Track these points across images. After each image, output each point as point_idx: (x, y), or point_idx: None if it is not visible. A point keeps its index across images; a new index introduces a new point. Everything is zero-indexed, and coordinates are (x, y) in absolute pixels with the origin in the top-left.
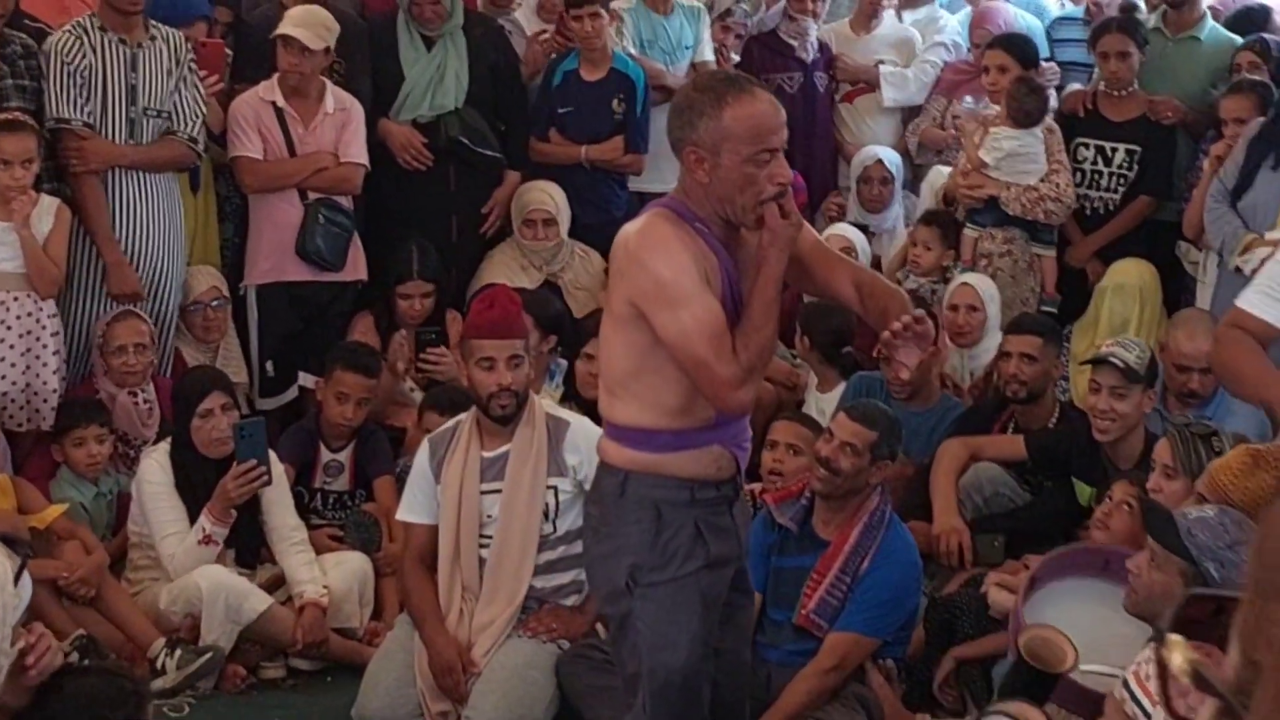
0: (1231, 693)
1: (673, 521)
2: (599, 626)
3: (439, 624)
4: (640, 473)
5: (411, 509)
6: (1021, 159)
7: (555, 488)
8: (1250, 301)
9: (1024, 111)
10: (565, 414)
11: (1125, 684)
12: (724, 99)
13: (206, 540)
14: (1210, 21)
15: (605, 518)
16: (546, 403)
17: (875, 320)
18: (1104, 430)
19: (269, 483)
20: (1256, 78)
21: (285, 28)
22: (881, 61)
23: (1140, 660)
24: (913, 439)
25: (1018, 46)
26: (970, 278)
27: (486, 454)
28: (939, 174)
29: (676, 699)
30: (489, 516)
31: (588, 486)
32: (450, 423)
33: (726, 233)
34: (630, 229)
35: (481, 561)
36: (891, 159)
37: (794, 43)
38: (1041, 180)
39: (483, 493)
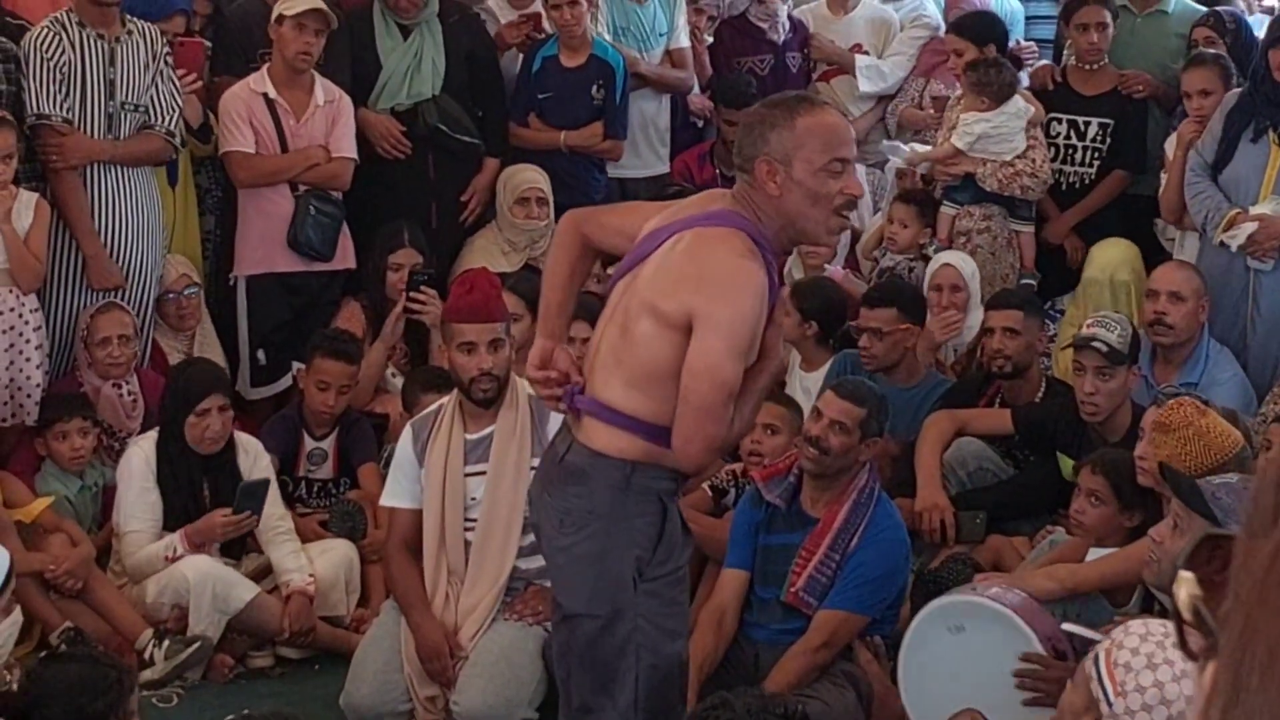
0: (1219, 627)
1: (671, 512)
2: None
3: (425, 609)
4: (646, 464)
5: (395, 494)
6: (993, 140)
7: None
8: None
9: (995, 89)
10: None
11: (1096, 661)
12: (796, 111)
13: (173, 559)
14: None
15: (599, 511)
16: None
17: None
18: (1092, 413)
19: (256, 525)
20: (1214, 51)
21: (301, 6)
22: (858, 45)
23: (1114, 640)
24: (898, 416)
25: (971, 28)
26: (950, 257)
27: (470, 436)
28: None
29: (671, 688)
30: (473, 499)
31: None
32: (432, 406)
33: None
34: (720, 245)
35: (466, 544)
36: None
37: (763, 25)
38: (1018, 156)
39: (467, 475)
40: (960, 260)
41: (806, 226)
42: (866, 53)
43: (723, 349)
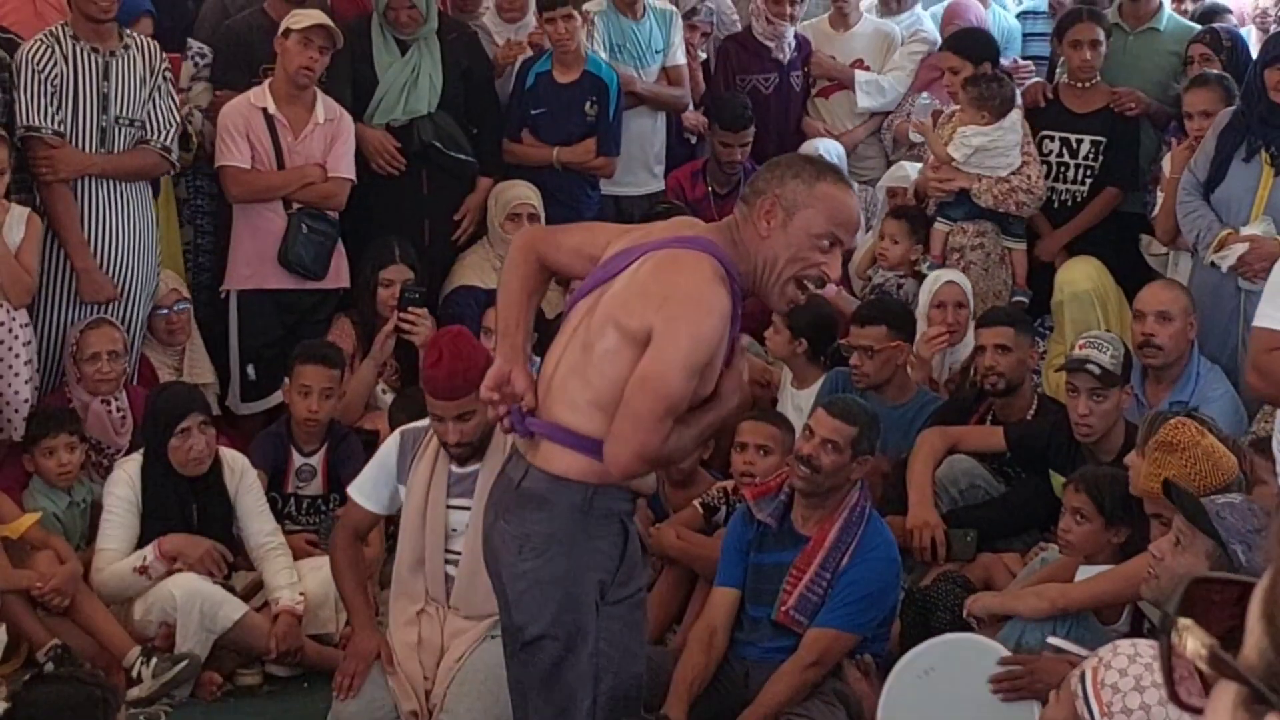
0: (1261, 678)
1: (632, 533)
2: None
3: (366, 607)
4: (606, 486)
5: (364, 493)
6: (990, 154)
7: None
8: (1273, 318)
9: (997, 103)
10: None
11: (1082, 679)
12: (824, 175)
13: (143, 570)
14: (1167, 11)
15: (560, 535)
16: None
17: None
18: (1086, 434)
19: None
20: (1216, 71)
21: (308, 20)
22: (859, 61)
23: (1101, 659)
24: (889, 434)
25: (966, 45)
26: (952, 275)
27: (455, 469)
28: (897, 169)
29: (631, 708)
30: (454, 530)
31: None
32: (424, 422)
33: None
34: (690, 266)
35: (447, 576)
36: (830, 149)
37: (770, 44)
38: (1013, 173)
39: (449, 506)
40: (963, 279)
41: (769, 280)
42: (868, 68)
43: (676, 362)
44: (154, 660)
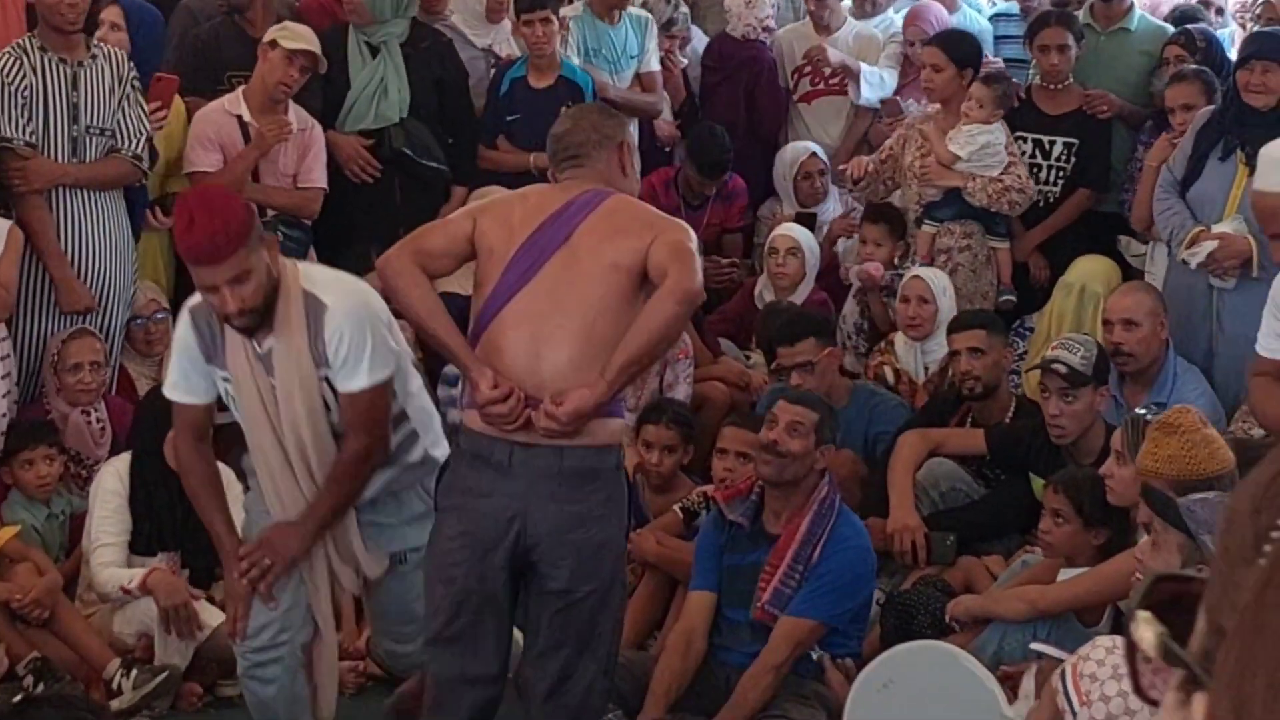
0: (1197, 662)
1: None
2: None
3: (232, 536)
4: (619, 443)
5: (182, 389)
6: (989, 151)
7: (326, 378)
8: (1270, 348)
9: (1006, 100)
10: (323, 292)
11: (1062, 675)
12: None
13: (127, 591)
14: (1138, 11)
15: (614, 496)
16: (305, 273)
17: None
18: (1059, 435)
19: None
20: (1197, 65)
21: (296, 42)
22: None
23: (1080, 654)
24: (847, 439)
25: (953, 45)
26: (922, 271)
27: (258, 348)
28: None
29: None
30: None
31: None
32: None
33: None
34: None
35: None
36: (822, 151)
37: (762, 39)
38: (1003, 171)
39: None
40: (932, 275)
41: None
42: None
43: (690, 245)
44: (134, 672)
